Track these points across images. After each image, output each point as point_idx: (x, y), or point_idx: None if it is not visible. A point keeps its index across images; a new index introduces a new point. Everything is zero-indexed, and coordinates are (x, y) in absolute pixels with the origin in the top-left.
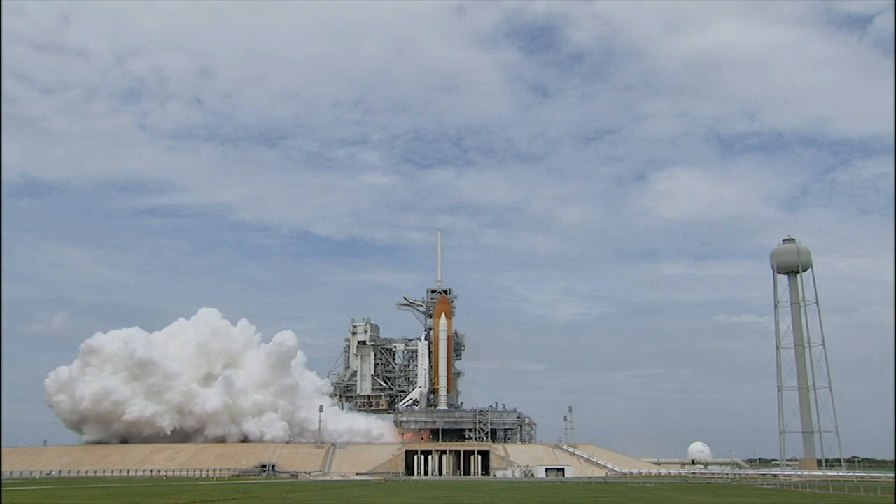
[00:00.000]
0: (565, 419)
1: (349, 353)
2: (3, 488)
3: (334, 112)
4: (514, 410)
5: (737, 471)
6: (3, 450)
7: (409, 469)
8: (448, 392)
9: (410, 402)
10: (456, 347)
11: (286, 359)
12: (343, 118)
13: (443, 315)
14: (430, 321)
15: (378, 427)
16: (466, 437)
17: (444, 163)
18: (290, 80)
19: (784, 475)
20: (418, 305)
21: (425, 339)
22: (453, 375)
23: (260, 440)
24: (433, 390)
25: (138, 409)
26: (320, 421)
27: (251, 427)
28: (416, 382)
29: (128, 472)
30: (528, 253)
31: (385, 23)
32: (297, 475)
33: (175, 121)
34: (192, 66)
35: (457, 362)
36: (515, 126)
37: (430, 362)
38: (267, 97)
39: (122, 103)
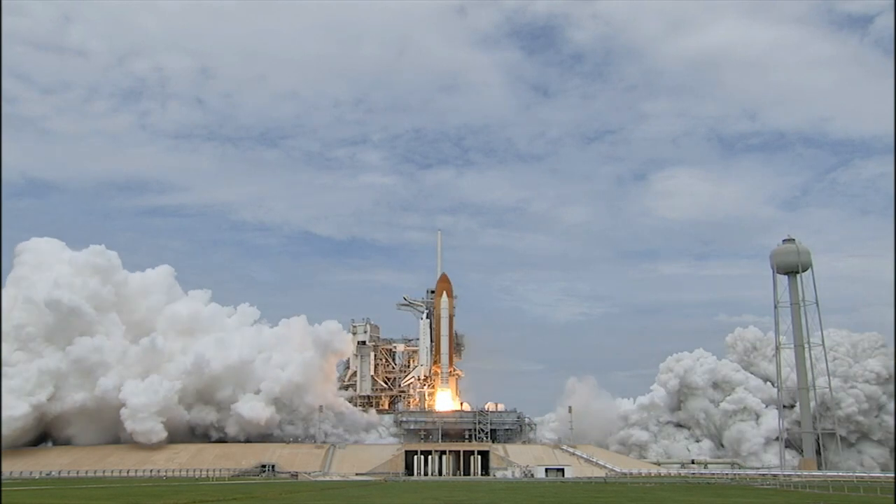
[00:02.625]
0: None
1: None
2: (3, 488)
3: (335, 112)
4: (514, 410)
5: (737, 471)
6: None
7: (409, 469)
8: (450, 368)
9: (414, 378)
10: (456, 348)
11: (332, 353)
12: (343, 118)
13: (444, 293)
14: (430, 320)
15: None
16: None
17: (444, 163)
18: (290, 80)
19: (784, 475)
20: (418, 305)
21: (427, 317)
22: (454, 369)
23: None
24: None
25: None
26: (320, 420)
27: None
28: (416, 384)
29: (127, 472)
30: (528, 253)
31: (385, 22)
32: (296, 475)
33: (175, 121)
34: (192, 66)
35: (457, 362)
36: (516, 126)
37: (431, 341)
38: (267, 97)
39: (122, 103)
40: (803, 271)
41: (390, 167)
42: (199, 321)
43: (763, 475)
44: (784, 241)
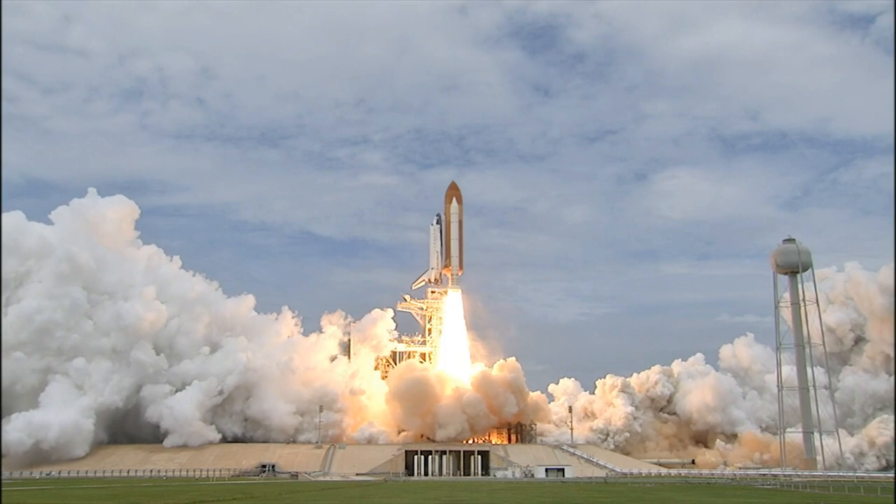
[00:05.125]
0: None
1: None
2: (3, 489)
3: (336, 112)
4: None
5: (737, 471)
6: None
7: (409, 469)
8: (460, 273)
9: (423, 283)
10: None
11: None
12: (345, 118)
13: (454, 199)
14: (430, 323)
15: None
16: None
17: (445, 163)
18: (291, 80)
19: (784, 475)
20: (419, 306)
21: (437, 223)
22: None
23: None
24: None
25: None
26: (319, 420)
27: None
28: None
29: (128, 472)
30: (529, 253)
31: (386, 22)
32: (297, 475)
33: (176, 121)
34: (193, 66)
35: None
36: (517, 126)
37: (442, 244)
38: (268, 97)
39: (123, 103)
40: (803, 271)
41: (391, 167)
42: (243, 325)
43: (763, 475)
44: (784, 240)
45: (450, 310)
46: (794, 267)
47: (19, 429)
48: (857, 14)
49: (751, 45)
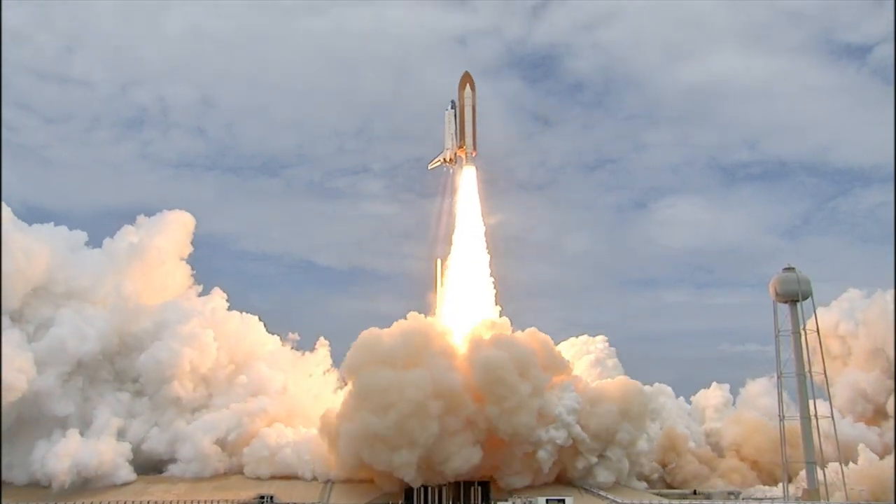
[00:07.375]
0: None
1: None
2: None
3: (336, 141)
4: None
5: (741, 501)
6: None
7: (409, 500)
8: (474, 154)
9: (439, 162)
10: None
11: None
12: (344, 147)
13: (467, 86)
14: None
15: None
16: None
17: (445, 191)
18: (291, 109)
19: None
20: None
21: (452, 108)
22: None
23: None
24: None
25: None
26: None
27: None
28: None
29: (124, 503)
30: (528, 282)
31: (386, 52)
32: None
33: (177, 150)
34: (194, 96)
35: None
36: (517, 155)
37: (456, 127)
38: (269, 127)
39: (124, 132)
40: (804, 300)
41: (391, 196)
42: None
43: None
44: (784, 269)
45: (464, 187)
46: (793, 295)
47: (62, 456)
48: (855, 44)
49: (748, 75)
